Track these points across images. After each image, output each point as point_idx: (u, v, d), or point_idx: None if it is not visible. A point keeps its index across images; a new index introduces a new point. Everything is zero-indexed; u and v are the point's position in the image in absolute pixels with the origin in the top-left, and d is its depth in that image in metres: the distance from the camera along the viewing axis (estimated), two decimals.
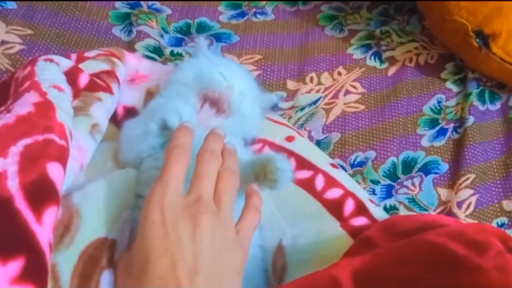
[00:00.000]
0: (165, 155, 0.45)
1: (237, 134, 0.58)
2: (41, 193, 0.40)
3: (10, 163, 0.40)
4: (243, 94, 0.58)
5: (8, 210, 0.37)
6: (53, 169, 0.42)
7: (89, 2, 0.82)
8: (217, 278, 0.40)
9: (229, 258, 0.42)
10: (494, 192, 0.71)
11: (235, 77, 0.58)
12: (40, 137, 0.43)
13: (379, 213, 0.55)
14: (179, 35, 0.84)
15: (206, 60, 0.61)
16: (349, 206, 0.55)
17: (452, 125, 0.78)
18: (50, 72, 0.53)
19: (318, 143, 0.72)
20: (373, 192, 0.68)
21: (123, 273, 0.44)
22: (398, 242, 0.45)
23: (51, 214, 0.40)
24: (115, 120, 0.60)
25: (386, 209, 0.66)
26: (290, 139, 0.62)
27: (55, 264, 0.42)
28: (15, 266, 0.35)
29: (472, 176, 0.71)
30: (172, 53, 0.79)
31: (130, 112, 0.62)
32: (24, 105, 0.46)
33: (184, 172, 0.44)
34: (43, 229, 0.38)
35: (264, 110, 0.63)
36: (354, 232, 0.53)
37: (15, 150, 0.41)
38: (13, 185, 0.38)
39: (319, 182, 0.57)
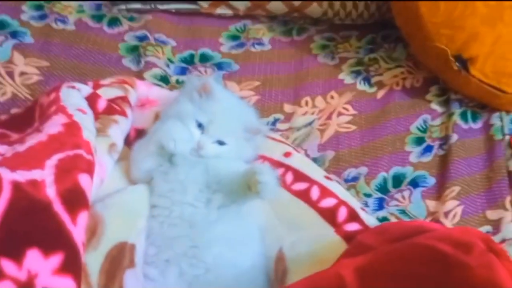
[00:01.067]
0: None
1: (236, 158, 0.63)
2: (75, 199, 0.46)
3: (47, 174, 0.46)
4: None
5: (48, 212, 0.43)
6: (83, 180, 0.48)
7: (100, 35, 0.89)
8: None
9: None
10: (478, 203, 0.75)
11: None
12: (71, 153, 0.50)
13: (370, 220, 0.60)
14: (184, 65, 0.90)
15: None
16: (342, 213, 0.60)
17: (437, 142, 0.83)
18: (73, 97, 0.60)
19: (314, 161, 0.76)
20: (366, 205, 0.73)
21: None
22: (393, 245, 0.49)
23: (83, 217, 0.45)
24: (128, 142, 0.66)
25: (379, 220, 0.70)
26: (287, 154, 0.67)
27: (85, 263, 0.47)
28: (56, 259, 0.40)
29: (457, 188, 0.75)
30: (177, 81, 0.86)
31: (141, 134, 0.67)
32: (54, 126, 0.53)
33: None
34: (77, 230, 0.44)
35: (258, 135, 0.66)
36: (348, 237, 0.58)
37: (50, 163, 0.47)
38: (51, 192, 0.44)
39: (315, 193, 0.62)
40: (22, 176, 0.44)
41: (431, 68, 0.91)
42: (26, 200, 0.42)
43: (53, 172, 0.46)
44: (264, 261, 0.60)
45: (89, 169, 0.50)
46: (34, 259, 0.39)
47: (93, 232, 0.50)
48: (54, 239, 0.42)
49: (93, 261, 0.48)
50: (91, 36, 0.89)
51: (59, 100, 0.58)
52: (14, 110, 0.73)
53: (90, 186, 0.49)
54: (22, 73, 0.80)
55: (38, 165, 0.46)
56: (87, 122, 0.56)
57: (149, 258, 0.54)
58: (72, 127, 0.53)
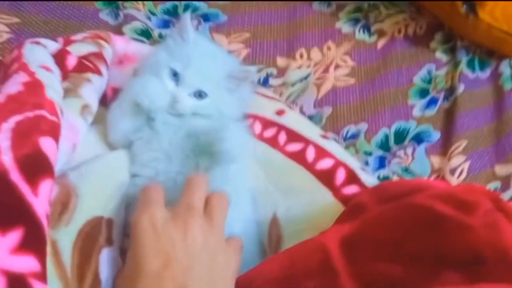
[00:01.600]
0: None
1: (219, 115, 0.57)
2: (35, 166, 0.40)
3: (2, 139, 0.40)
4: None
5: (4, 183, 0.37)
6: (45, 143, 0.42)
7: None
8: (211, 277, 0.41)
9: (222, 263, 0.42)
10: (486, 158, 0.72)
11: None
12: (30, 114, 0.44)
13: (370, 181, 0.56)
14: (167, 17, 0.83)
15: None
16: (340, 175, 0.55)
17: (442, 94, 0.78)
18: (37, 53, 0.53)
19: (310, 118, 0.72)
20: (367, 164, 0.69)
21: (119, 282, 0.44)
22: (385, 206, 0.45)
23: (46, 187, 0.40)
24: (105, 102, 0.60)
25: (380, 179, 0.67)
26: (280, 112, 0.62)
27: (55, 240, 0.42)
28: (15, 236, 0.35)
29: (464, 142, 0.71)
30: (160, 35, 0.79)
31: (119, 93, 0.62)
32: (13, 85, 0.47)
33: (163, 195, 0.45)
34: (39, 201, 0.38)
35: (246, 85, 0.59)
36: (346, 200, 0.53)
37: (7, 126, 0.41)
38: (7, 159, 0.39)
39: (310, 154, 0.58)
40: None
41: (436, 13, 0.85)
42: None
43: (9, 136, 0.40)
44: (256, 227, 0.56)
45: (53, 131, 0.44)
46: None
47: (64, 205, 0.44)
48: (11, 213, 0.36)
49: (65, 239, 0.43)
50: None
51: (21, 57, 0.52)
52: None
53: (55, 150, 0.43)
54: None
55: None
56: (51, 81, 0.50)
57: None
58: (34, 86, 0.47)
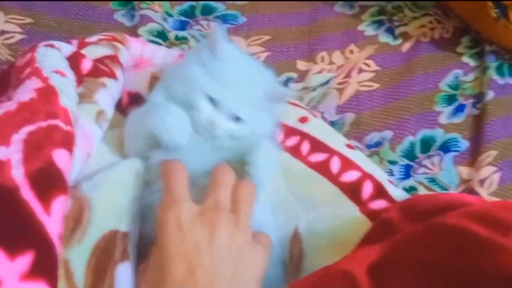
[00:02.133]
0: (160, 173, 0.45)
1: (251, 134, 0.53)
2: (48, 181, 0.38)
3: (13, 152, 0.37)
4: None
5: (14, 201, 0.35)
6: (59, 156, 0.40)
7: None
8: (236, 284, 0.39)
9: (248, 264, 0.41)
10: None
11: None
12: (43, 123, 0.41)
13: (399, 195, 0.53)
14: (184, 18, 0.81)
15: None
16: (367, 188, 0.52)
17: (470, 100, 0.75)
18: (51, 57, 0.51)
19: (332, 125, 0.69)
20: (391, 173, 0.66)
21: (141, 281, 0.42)
22: (416, 227, 0.42)
23: (60, 204, 0.38)
24: (120, 107, 0.58)
25: (405, 190, 0.63)
26: (303, 120, 0.59)
27: (67, 260, 0.39)
28: (24, 261, 0.33)
29: (494, 152, 0.68)
30: (176, 37, 0.77)
31: (135, 98, 0.59)
32: (26, 92, 0.44)
33: (187, 184, 0.43)
34: (51, 220, 0.36)
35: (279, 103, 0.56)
36: (374, 216, 0.50)
37: (18, 137, 0.39)
38: (18, 174, 0.36)
39: (335, 165, 0.55)
40: None
41: (464, 15, 0.82)
42: None
43: (21, 148, 0.38)
44: (278, 242, 0.52)
45: (68, 142, 0.42)
46: None
47: (77, 220, 0.42)
48: (21, 234, 0.34)
49: (78, 258, 0.40)
50: None
51: (34, 61, 0.49)
52: None
53: (69, 163, 0.41)
54: (2, 32, 0.72)
55: (3, 140, 0.38)
56: (65, 87, 0.47)
57: (146, 238, 0.47)
58: (47, 93, 0.45)
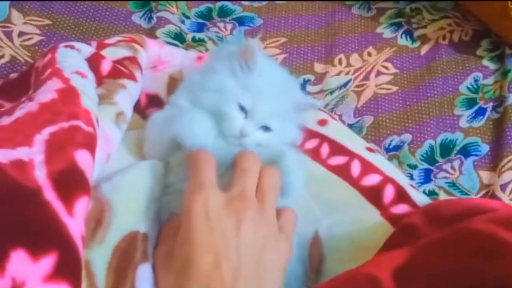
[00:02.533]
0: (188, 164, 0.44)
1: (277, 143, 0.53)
2: (71, 182, 0.38)
3: (36, 152, 0.37)
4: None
5: (37, 202, 0.34)
6: (81, 157, 0.40)
7: None
8: (260, 277, 0.39)
9: (272, 256, 0.41)
10: None
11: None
12: (65, 124, 0.41)
13: (421, 199, 0.52)
14: (201, 20, 0.81)
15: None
16: (388, 192, 0.52)
17: (491, 104, 0.73)
18: (72, 58, 0.51)
19: (350, 128, 0.68)
20: (411, 177, 0.65)
21: (162, 267, 0.42)
22: (442, 232, 0.41)
23: (82, 205, 0.37)
24: (139, 109, 0.58)
25: (425, 195, 0.63)
26: (322, 122, 0.58)
27: (89, 261, 0.39)
28: (48, 262, 0.32)
29: None
30: (194, 39, 0.77)
31: (153, 100, 0.59)
32: (47, 93, 0.44)
33: (214, 173, 0.43)
34: (74, 221, 0.36)
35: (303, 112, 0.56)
36: (396, 220, 0.49)
37: (41, 138, 0.39)
38: (41, 175, 0.36)
39: (355, 168, 0.54)
40: (4, 155, 0.36)
41: (484, 17, 0.80)
42: (8, 186, 0.34)
43: (43, 149, 0.38)
44: (298, 246, 0.52)
45: (90, 143, 0.42)
46: (19, 262, 0.32)
47: (98, 221, 0.41)
48: (44, 235, 0.34)
49: (99, 259, 0.40)
50: None
51: (54, 62, 0.49)
52: (13, 76, 0.65)
53: (91, 164, 0.41)
54: (21, 33, 0.72)
55: (25, 141, 0.38)
56: (86, 88, 0.47)
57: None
58: (69, 93, 0.45)
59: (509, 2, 0.72)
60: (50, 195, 0.35)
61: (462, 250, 0.38)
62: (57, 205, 0.35)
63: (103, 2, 0.79)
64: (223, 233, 0.39)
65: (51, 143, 0.39)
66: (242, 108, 0.50)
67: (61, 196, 0.36)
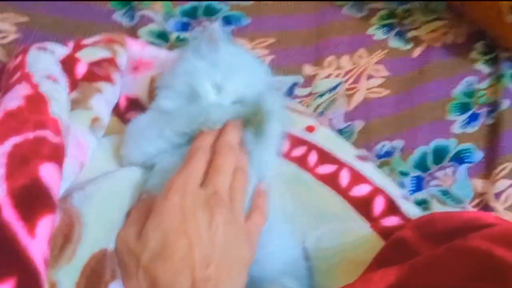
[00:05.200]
0: (186, 153, 0.45)
1: None
2: (34, 200, 0.35)
3: None
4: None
5: None
6: (46, 171, 0.37)
7: None
8: (227, 269, 0.39)
9: (239, 252, 0.42)
10: None
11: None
12: (31, 134, 0.38)
13: (413, 211, 0.50)
14: (185, 19, 0.78)
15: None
16: (378, 204, 0.50)
17: (485, 109, 0.71)
18: (43, 61, 0.48)
19: (340, 132, 0.66)
20: (403, 185, 0.62)
21: (133, 246, 0.41)
22: (436, 250, 0.40)
23: (46, 225, 0.34)
24: (118, 112, 0.55)
25: (417, 203, 0.60)
26: (310, 129, 0.56)
27: (55, 282, 0.36)
28: None
29: (510, 164, 0.64)
30: (178, 38, 0.74)
31: (133, 103, 0.56)
32: (14, 99, 0.41)
33: (204, 170, 0.45)
34: (36, 243, 0.33)
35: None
36: (386, 233, 0.48)
37: (3, 150, 0.36)
38: (1, 192, 0.33)
39: (344, 178, 0.52)
40: None
41: (477, 21, 0.78)
42: None
43: (4, 162, 0.35)
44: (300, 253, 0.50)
45: (57, 155, 0.39)
46: None
47: (67, 236, 0.39)
48: (1, 260, 0.31)
49: (66, 279, 0.37)
50: None
51: (24, 65, 0.47)
52: None
53: (57, 178, 0.38)
54: None
55: None
56: (58, 93, 0.45)
57: None
58: (36, 101, 0.42)
59: (504, 5, 0.69)
60: (9, 214, 0.32)
61: (457, 269, 0.37)
62: (17, 226, 0.32)
63: (83, 0, 0.76)
64: (196, 224, 0.40)
65: (14, 156, 0.36)
66: (214, 87, 0.51)
67: (22, 215, 0.33)
